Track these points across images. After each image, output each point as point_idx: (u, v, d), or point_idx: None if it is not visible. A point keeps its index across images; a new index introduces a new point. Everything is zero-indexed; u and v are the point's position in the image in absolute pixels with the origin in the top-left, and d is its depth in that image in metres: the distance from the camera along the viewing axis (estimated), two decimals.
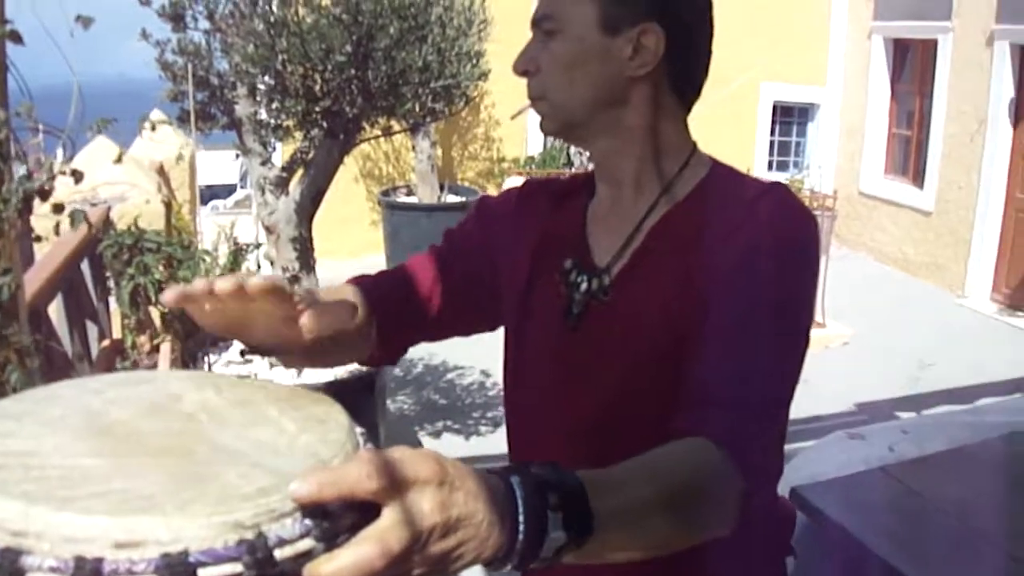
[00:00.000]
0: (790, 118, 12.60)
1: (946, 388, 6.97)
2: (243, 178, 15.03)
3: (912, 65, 11.10)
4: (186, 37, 4.85)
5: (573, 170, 11.21)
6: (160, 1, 4.67)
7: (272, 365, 4.78)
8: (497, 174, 11.61)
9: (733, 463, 1.09)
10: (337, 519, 0.72)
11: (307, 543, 0.70)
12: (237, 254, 5.75)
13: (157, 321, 4.82)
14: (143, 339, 4.59)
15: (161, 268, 4.46)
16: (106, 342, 4.53)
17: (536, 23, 1.32)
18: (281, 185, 5.36)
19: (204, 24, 4.83)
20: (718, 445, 1.09)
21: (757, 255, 1.20)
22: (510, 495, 0.81)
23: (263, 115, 5.13)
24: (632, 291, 1.31)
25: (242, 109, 5.11)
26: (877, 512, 2.85)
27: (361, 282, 1.42)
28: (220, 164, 11.88)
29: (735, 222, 1.23)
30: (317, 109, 4.82)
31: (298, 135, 5.28)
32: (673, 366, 1.22)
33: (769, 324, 1.19)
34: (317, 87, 4.74)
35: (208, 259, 4.95)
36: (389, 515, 0.72)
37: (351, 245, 10.36)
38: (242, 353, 1.14)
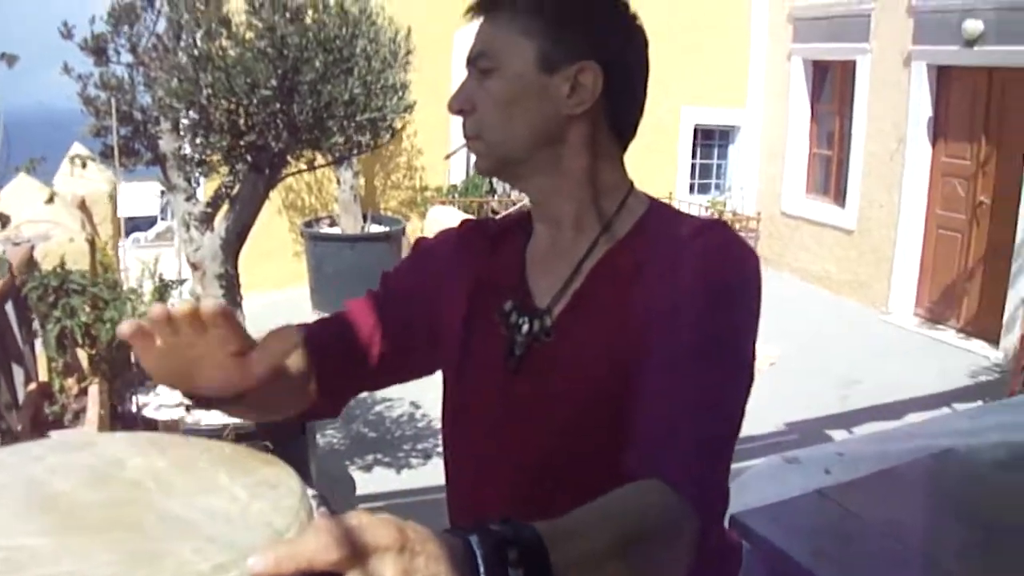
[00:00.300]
0: (711, 140, 12.76)
1: (874, 405, 7.07)
2: (163, 210, 14.84)
3: (832, 86, 11.32)
4: (109, 71, 4.76)
5: (496, 198, 11.26)
6: (82, 34, 4.57)
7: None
8: (420, 203, 11.59)
9: (687, 503, 1.08)
10: None
11: None
12: (163, 290, 5.65)
13: (84, 363, 4.71)
14: (71, 382, 4.48)
15: (87, 309, 4.35)
16: (32, 386, 4.41)
17: (472, 61, 1.31)
18: (206, 221, 5.28)
19: (127, 58, 4.75)
20: (672, 486, 1.08)
21: (697, 293, 1.19)
22: (470, 555, 0.79)
23: (187, 150, 5.05)
24: (574, 331, 1.29)
25: (166, 144, 5.02)
26: (816, 536, 2.87)
27: (299, 328, 1.38)
28: (140, 196, 11.71)
29: (674, 260, 1.22)
30: (242, 144, 4.75)
31: (223, 170, 5.21)
32: (617, 405, 1.20)
33: (713, 361, 1.18)
34: (242, 121, 4.68)
35: (134, 298, 4.85)
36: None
37: (275, 277, 10.25)
38: (187, 408, 1.12)
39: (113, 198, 7.34)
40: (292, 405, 1.35)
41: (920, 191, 9.70)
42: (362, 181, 10.90)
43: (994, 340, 8.77)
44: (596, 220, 1.32)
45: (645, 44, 1.34)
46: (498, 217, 1.56)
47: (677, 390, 1.16)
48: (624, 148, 1.37)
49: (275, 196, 10.13)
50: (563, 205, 1.33)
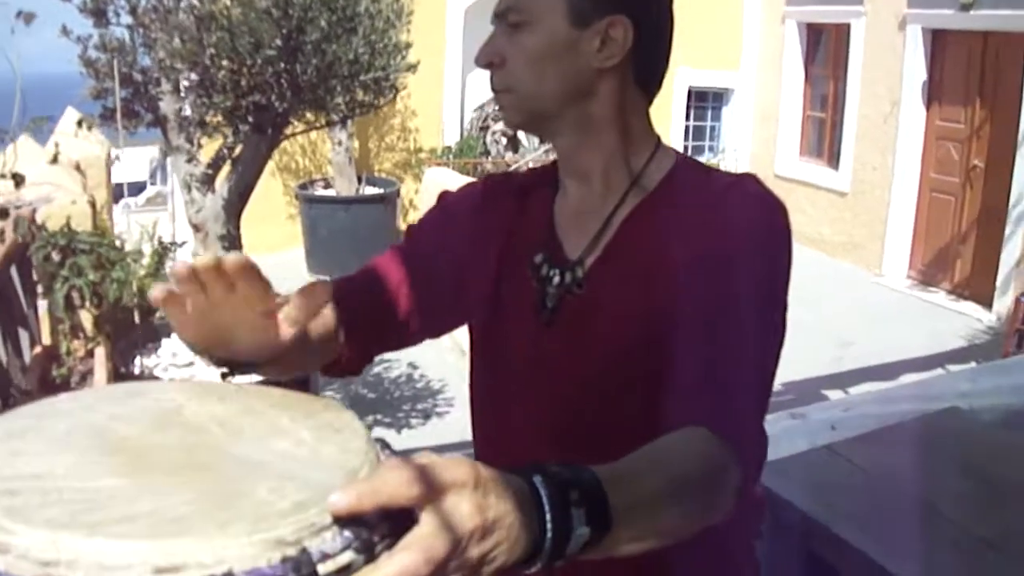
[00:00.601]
0: (704, 103, 12.74)
1: (868, 366, 7.11)
2: (152, 175, 14.75)
3: (826, 49, 11.31)
4: (108, 33, 4.73)
5: (490, 159, 11.22)
6: None
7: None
8: (414, 164, 11.54)
9: (730, 449, 1.09)
10: (373, 529, 0.70)
11: (348, 556, 0.68)
12: (162, 253, 5.65)
13: (87, 325, 4.71)
14: (77, 344, 4.48)
15: (93, 269, 4.35)
16: (38, 349, 4.42)
17: (501, 15, 1.31)
18: (207, 182, 5.28)
19: (126, 20, 4.72)
20: (715, 433, 1.09)
21: (735, 243, 1.21)
22: (534, 494, 0.81)
23: (188, 112, 5.04)
24: (606, 283, 1.30)
25: (167, 106, 5.01)
26: (827, 489, 2.90)
27: (326, 285, 1.39)
28: (129, 161, 11.63)
29: (708, 212, 1.24)
30: (245, 104, 4.74)
31: (224, 131, 5.19)
32: (649, 356, 1.22)
33: (750, 310, 1.20)
34: (244, 81, 4.67)
35: (138, 259, 4.85)
36: (429, 521, 0.71)
37: (269, 240, 10.22)
38: (223, 376, 1.11)
39: (107, 162, 7.31)
40: (318, 362, 1.34)
41: (914, 154, 9.73)
42: (356, 143, 10.86)
43: (987, 303, 8.83)
44: (625, 174, 1.33)
45: None
46: (521, 171, 1.56)
47: (719, 340, 1.18)
48: (650, 102, 1.37)
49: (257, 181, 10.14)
50: (592, 159, 1.34)
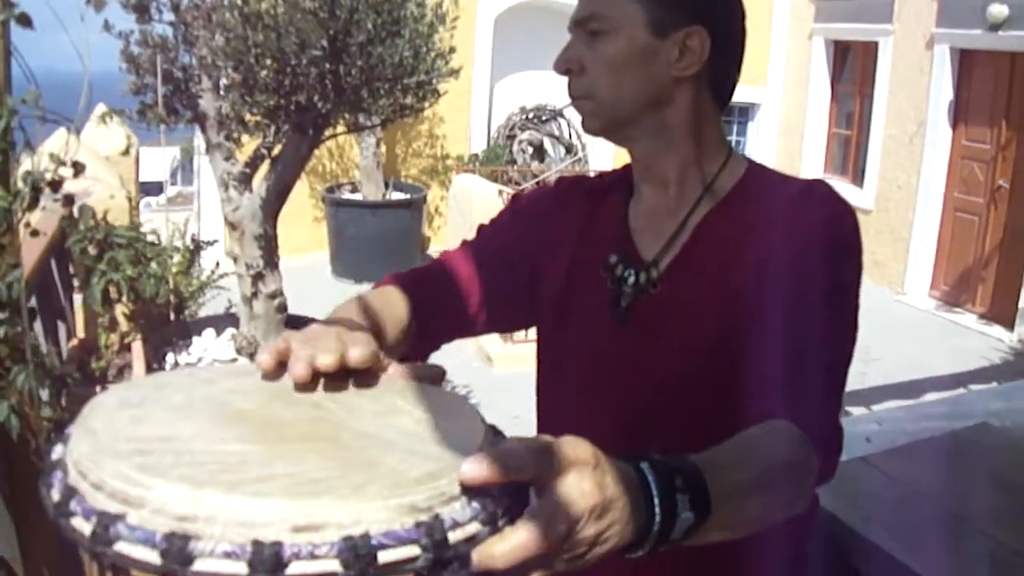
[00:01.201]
0: (730, 117, 12.73)
1: (891, 383, 7.11)
2: (173, 175, 14.81)
3: (852, 66, 11.34)
4: (150, 29, 4.77)
5: (516, 168, 11.26)
6: None
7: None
8: (441, 171, 11.60)
9: (810, 443, 1.13)
10: (497, 502, 0.73)
11: (475, 526, 0.71)
12: (195, 251, 5.70)
13: (121, 319, 4.74)
14: (113, 338, 4.51)
15: (131, 264, 4.38)
16: (74, 341, 4.45)
17: (580, 23, 1.34)
18: (244, 181, 5.30)
19: (169, 16, 4.75)
20: (797, 426, 1.13)
21: (813, 247, 1.24)
22: (642, 480, 0.84)
23: (227, 110, 5.07)
24: (681, 284, 1.34)
25: (207, 103, 5.04)
26: (864, 500, 2.92)
27: (402, 283, 1.42)
28: (146, 161, 11.71)
29: (782, 216, 1.28)
30: (287, 104, 4.77)
31: (263, 130, 5.22)
32: (721, 357, 1.26)
33: (828, 311, 1.24)
34: (288, 81, 4.70)
35: (177, 256, 4.89)
36: (552, 496, 0.74)
37: (295, 242, 10.22)
38: None
39: (135, 158, 7.35)
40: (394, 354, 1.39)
41: (939, 174, 9.74)
42: (384, 148, 10.90)
43: (1009, 324, 8.83)
44: (699, 180, 1.37)
45: (743, 10, 1.38)
46: (593, 175, 1.59)
47: (798, 338, 1.22)
48: (723, 110, 1.41)
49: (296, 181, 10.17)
50: (668, 165, 1.37)
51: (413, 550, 0.66)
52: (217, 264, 5.89)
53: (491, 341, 7.24)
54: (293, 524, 0.64)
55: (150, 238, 4.73)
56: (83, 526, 0.67)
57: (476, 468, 0.72)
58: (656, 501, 0.84)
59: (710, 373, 1.28)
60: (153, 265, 4.50)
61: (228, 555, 0.63)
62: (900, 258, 10.06)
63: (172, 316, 5.28)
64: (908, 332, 8.82)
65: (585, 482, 0.76)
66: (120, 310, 4.70)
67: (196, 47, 4.75)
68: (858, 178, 10.94)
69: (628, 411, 1.35)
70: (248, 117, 5.06)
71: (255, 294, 5.13)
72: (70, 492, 0.70)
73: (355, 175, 10.94)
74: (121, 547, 0.65)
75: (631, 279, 1.37)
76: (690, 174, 1.37)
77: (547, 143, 12.18)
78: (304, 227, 10.67)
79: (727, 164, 1.38)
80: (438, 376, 1.08)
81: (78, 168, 2.67)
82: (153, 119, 4.74)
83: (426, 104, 5.36)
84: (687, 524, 0.87)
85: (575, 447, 0.77)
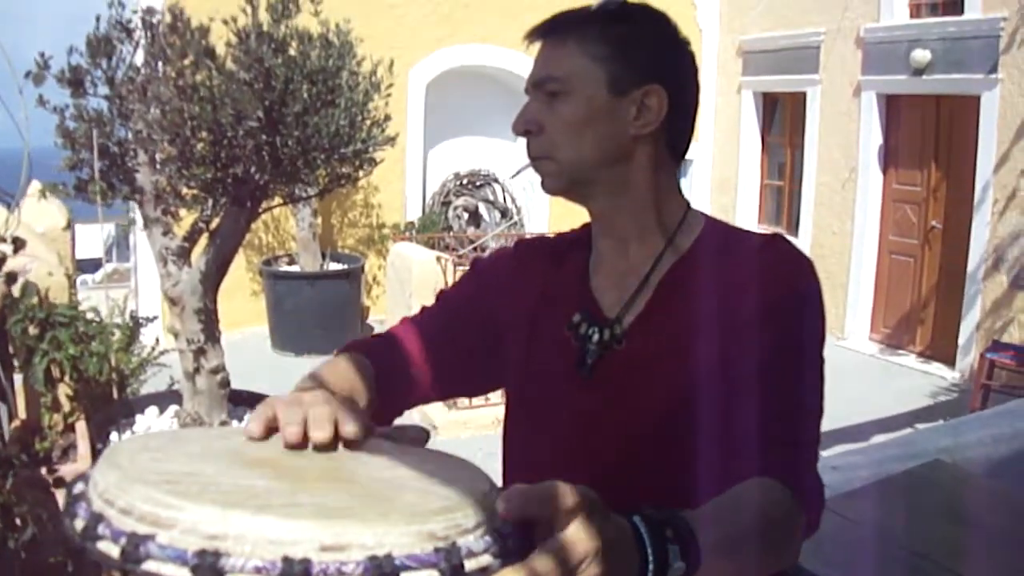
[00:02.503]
0: None
1: (838, 428, 7.15)
2: (108, 252, 14.65)
3: (782, 117, 11.57)
4: (85, 103, 4.72)
5: (452, 234, 11.28)
6: (58, 66, 4.53)
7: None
8: (378, 240, 11.56)
9: (796, 498, 1.15)
10: (507, 539, 0.76)
11: (487, 558, 0.73)
12: (135, 328, 5.62)
13: (63, 399, 4.65)
14: (57, 417, 4.42)
15: (73, 343, 4.30)
16: (16, 422, 4.34)
17: (538, 84, 1.35)
18: (183, 255, 5.25)
19: (104, 90, 4.71)
20: (782, 483, 1.15)
21: (775, 303, 1.26)
22: (635, 531, 0.87)
23: (165, 184, 5.02)
24: (646, 339, 1.34)
25: (143, 178, 4.99)
26: (822, 544, 2.93)
27: (361, 353, 1.41)
28: (84, 237, 11.57)
29: (743, 272, 1.29)
30: (224, 176, 4.73)
31: (202, 204, 5.17)
32: (687, 412, 1.26)
33: (801, 365, 1.26)
34: (224, 153, 4.66)
35: (118, 333, 4.81)
36: (566, 533, 0.78)
37: (233, 316, 10.11)
38: None
39: (71, 233, 7.26)
40: None
41: (873, 218, 9.93)
42: (320, 220, 10.87)
43: (950, 361, 8.97)
44: (660, 235, 1.37)
45: (696, 67, 1.40)
46: (552, 236, 1.59)
47: (769, 395, 1.22)
48: (679, 165, 1.43)
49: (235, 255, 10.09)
50: (628, 221, 1.38)
51: (432, 574, 0.69)
52: (157, 340, 5.82)
53: (435, 409, 7.26)
54: (321, 543, 0.66)
55: (90, 315, 4.65)
56: (111, 548, 0.69)
57: (514, 503, 0.78)
58: (649, 551, 0.86)
59: (677, 427, 1.27)
60: (95, 343, 4.42)
61: (258, 571, 0.65)
62: (839, 303, 10.18)
63: (115, 394, 5.17)
64: (852, 376, 8.90)
65: (591, 525, 0.79)
66: (63, 390, 4.60)
67: (132, 121, 4.71)
68: (793, 227, 11.09)
69: (598, 465, 1.32)
70: (185, 191, 5.01)
71: (197, 370, 5.06)
72: (96, 518, 0.71)
73: (292, 247, 10.89)
74: (150, 566, 0.66)
75: (595, 336, 1.36)
76: (650, 229, 1.38)
77: (482, 208, 12.24)
78: (242, 301, 10.55)
79: (686, 219, 1.39)
80: (420, 439, 1.09)
81: (18, 244, 2.63)
82: (91, 195, 4.68)
83: (362, 173, 5.35)
84: (678, 574, 0.88)
85: (582, 491, 0.81)
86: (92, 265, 14.08)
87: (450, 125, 11.97)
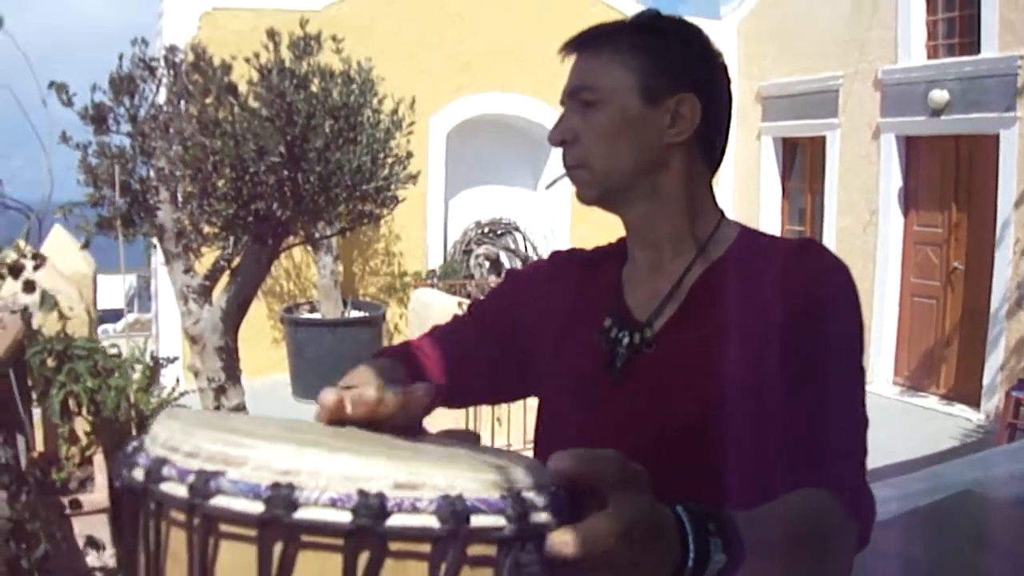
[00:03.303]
0: None
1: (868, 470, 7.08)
2: (130, 303, 14.73)
3: (801, 162, 11.59)
4: (108, 141, 4.77)
5: (475, 282, 11.29)
6: (82, 102, 4.59)
7: None
8: (399, 288, 11.56)
9: (848, 509, 1.12)
10: (561, 502, 0.75)
11: (546, 515, 0.72)
12: (155, 368, 5.61)
13: (80, 432, 4.63)
14: (74, 450, 4.41)
15: (89, 377, 4.30)
16: (34, 453, 4.33)
17: (572, 94, 1.36)
18: (204, 294, 5.26)
19: (126, 127, 4.76)
20: (832, 494, 1.12)
21: (816, 307, 1.24)
22: (678, 521, 0.86)
23: (185, 222, 5.05)
24: (676, 343, 1.33)
25: (164, 215, 5.02)
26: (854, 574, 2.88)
27: (397, 357, 1.42)
28: (106, 288, 11.64)
29: (777, 277, 1.28)
30: (245, 213, 4.75)
31: (223, 241, 5.20)
32: (717, 417, 1.24)
33: (841, 371, 1.23)
34: (246, 190, 4.69)
35: (138, 370, 4.80)
36: (622, 500, 0.77)
37: (254, 363, 10.07)
38: None
39: (94, 280, 7.30)
40: None
41: (894, 260, 9.90)
42: (341, 267, 10.90)
43: (975, 403, 8.89)
44: (693, 243, 1.37)
45: (728, 78, 1.41)
46: (589, 249, 1.59)
47: (815, 403, 1.20)
48: (714, 174, 1.43)
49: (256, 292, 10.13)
50: (662, 230, 1.38)
51: (500, 520, 0.69)
52: (177, 381, 5.80)
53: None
54: (395, 481, 0.67)
55: (110, 351, 4.64)
56: (176, 488, 0.67)
57: (566, 462, 0.77)
58: (691, 540, 0.85)
59: (706, 431, 1.26)
60: (114, 378, 4.41)
61: (334, 503, 0.65)
62: None
63: (134, 433, 5.16)
64: (876, 419, 8.68)
65: (646, 500, 0.80)
66: (80, 424, 4.59)
67: (154, 158, 4.76)
68: None
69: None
70: (206, 228, 5.04)
71: (218, 408, 5.06)
72: (160, 462, 0.70)
73: (313, 294, 10.90)
74: (221, 501, 0.66)
75: (625, 339, 1.36)
76: (683, 237, 1.38)
77: (503, 256, 12.25)
78: (263, 349, 10.55)
79: (719, 227, 1.39)
80: (471, 439, 1.08)
81: (39, 260, 2.64)
82: (113, 231, 4.71)
83: (384, 211, 5.37)
84: (719, 566, 0.87)
85: (635, 465, 0.82)
86: (113, 315, 14.14)
87: (471, 174, 12.02)
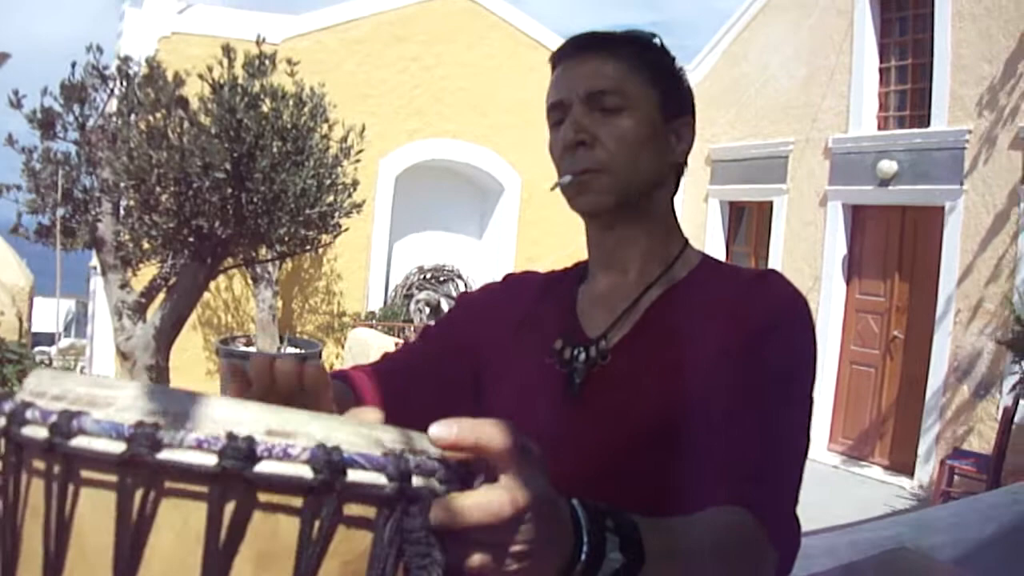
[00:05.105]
0: None
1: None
2: (67, 328, 14.51)
3: (748, 226, 11.68)
4: (54, 147, 4.68)
5: (414, 326, 11.24)
6: (30, 106, 4.49)
7: None
8: (337, 328, 11.49)
9: (770, 534, 1.09)
10: (452, 471, 0.70)
11: (434, 481, 0.68)
12: None
13: None
14: None
15: (16, 383, 4.18)
16: None
17: (594, 96, 1.32)
18: (139, 310, 5.16)
19: (74, 135, 4.67)
20: (754, 515, 1.08)
21: (770, 330, 1.23)
22: (572, 512, 0.81)
23: (125, 236, 4.95)
24: (632, 357, 1.31)
25: (105, 227, 4.92)
26: None
27: (354, 376, 1.37)
28: (43, 311, 11.45)
29: (736, 300, 1.26)
30: (187, 229, 4.67)
31: (156, 260, 5.10)
32: (670, 432, 1.21)
33: (789, 397, 1.21)
34: (189, 205, 4.60)
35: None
36: (516, 474, 0.72)
37: None
38: None
39: (31, 294, 7.16)
40: None
41: (835, 328, 9.96)
42: (280, 303, 10.79)
43: (909, 471, 8.92)
44: (659, 263, 1.36)
45: None
46: (544, 272, 1.57)
47: (756, 423, 1.18)
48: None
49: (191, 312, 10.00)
50: (637, 249, 1.37)
51: (380, 477, 0.64)
52: None
53: None
54: (268, 427, 0.62)
55: (40, 358, 4.53)
56: (37, 431, 0.61)
57: (446, 429, 0.70)
58: (584, 533, 0.80)
59: (655, 446, 1.23)
60: None
61: (199, 444, 0.60)
62: None
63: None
64: (811, 485, 8.70)
65: (540, 476, 0.74)
66: None
67: (99, 167, 4.66)
68: None
69: (579, 480, 1.27)
70: (146, 244, 4.95)
71: None
72: (24, 406, 0.64)
73: (251, 328, 10.78)
74: (80, 441, 0.60)
75: (581, 356, 1.33)
76: (653, 258, 1.37)
77: (444, 304, 12.22)
78: (198, 379, 10.42)
79: (684, 252, 1.39)
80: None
81: None
82: (52, 241, 4.60)
83: (326, 237, 5.30)
84: (615, 565, 0.82)
85: (527, 440, 0.75)
86: (49, 339, 13.94)
87: (417, 218, 12.02)
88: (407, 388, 1.41)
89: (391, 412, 1.37)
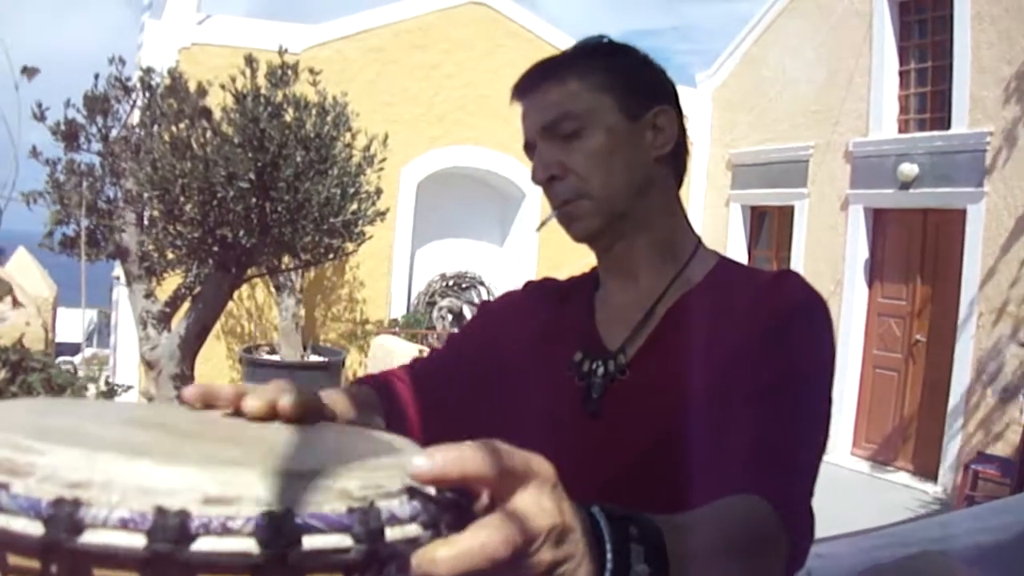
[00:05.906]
0: None
1: (822, 538, 7.03)
2: (89, 338, 14.56)
3: (769, 230, 11.66)
4: (78, 159, 4.72)
5: (436, 333, 11.24)
6: (54, 118, 4.54)
7: None
8: (360, 336, 11.48)
9: (785, 524, 1.08)
10: (440, 508, 0.61)
11: (415, 528, 0.59)
12: (109, 394, 5.53)
13: None
14: None
15: (42, 391, 4.21)
16: None
17: (549, 128, 1.32)
18: (164, 320, 5.20)
19: (97, 147, 4.71)
20: (772, 506, 1.08)
21: (787, 329, 1.23)
22: (594, 524, 0.75)
23: (150, 247, 4.99)
24: (650, 368, 1.30)
25: (129, 238, 4.96)
26: None
27: (373, 384, 1.37)
28: (66, 321, 11.50)
29: (755, 300, 1.26)
30: (211, 238, 4.70)
31: (181, 269, 5.14)
32: (692, 439, 1.22)
33: (809, 392, 1.21)
34: (213, 215, 4.64)
35: (92, 388, 4.71)
36: (511, 504, 0.64)
37: None
38: None
39: (54, 304, 7.22)
40: None
41: (858, 332, 9.93)
42: (303, 311, 10.82)
43: (932, 476, 8.88)
44: (671, 265, 1.36)
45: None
46: (561, 279, 1.56)
47: (775, 415, 1.18)
48: (679, 190, 1.42)
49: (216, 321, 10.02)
50: (644, 254, 1.36)
51: (344, 539, 0.55)
52: None
53: None
54: (205, 494, 0.54)
55: (68, 367, 4.57)
56: None
57: (428, 461, 0.60)
58: (608, 546, 0.74)
59: (675, 455, 1.23)
60: (66, 394, 4.33)
61: (125, 523, 0.52)
62: None
63: None
64: (834, 490, 8.78)
65: (545, 499, 0.65)
66: None
67: (123, 178, 4.70)
68: None
69: (597, 496, 1.28)
70: (170, 254, 4.98)
71: None
72: None
73: (274, 337, 10.81)
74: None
75: (600, 370, 1.33)
76: (663, 261, 1.36)
77: (467, 310, 12.21)
78: None
79: (697, 252, 1.38)
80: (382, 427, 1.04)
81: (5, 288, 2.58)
82: (76, 252, 4.64)
83: (350, 245, 5.32)
84: None
85: (537, 460, 0.67)
86: (72, 349, 13.97)
87: (439, 225, 12.02)
88: (442, 386, 1.42)
89: (427, 409, 1.39)
